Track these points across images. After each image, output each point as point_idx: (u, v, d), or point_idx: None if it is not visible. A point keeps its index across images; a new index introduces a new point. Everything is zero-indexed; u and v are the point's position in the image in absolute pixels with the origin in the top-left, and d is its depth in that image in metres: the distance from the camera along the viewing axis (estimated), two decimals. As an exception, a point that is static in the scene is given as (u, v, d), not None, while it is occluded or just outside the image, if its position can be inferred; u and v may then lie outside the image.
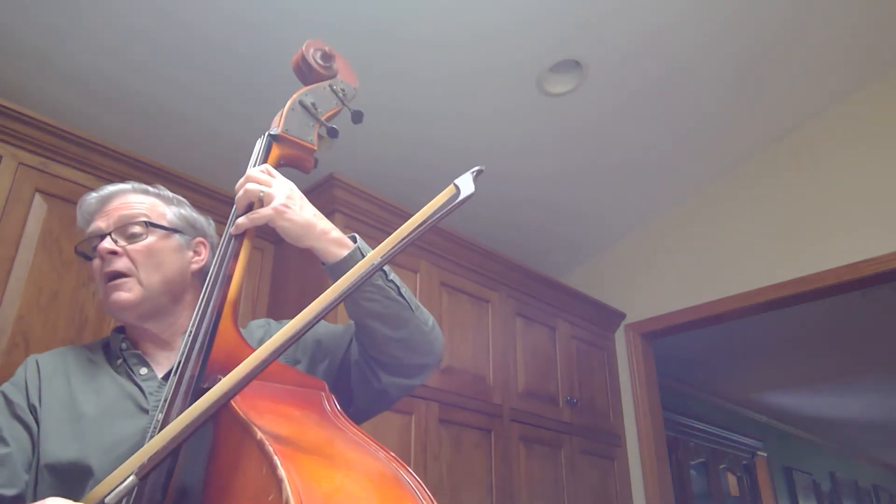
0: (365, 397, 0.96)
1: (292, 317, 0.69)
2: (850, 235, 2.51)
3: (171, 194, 1.05)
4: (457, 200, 0.70)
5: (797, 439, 6.87)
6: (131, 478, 0.64)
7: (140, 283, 0.93)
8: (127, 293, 0.92)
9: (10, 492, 0.83)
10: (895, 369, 5.12)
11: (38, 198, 1.77)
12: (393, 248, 0.69)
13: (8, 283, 1.66)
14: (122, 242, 0.94)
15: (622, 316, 3.15)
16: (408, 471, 0.65)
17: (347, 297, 0.88)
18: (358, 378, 0.96)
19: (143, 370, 0.93)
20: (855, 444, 7.58)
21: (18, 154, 1.76)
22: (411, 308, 0.92)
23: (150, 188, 1.03)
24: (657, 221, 3.19)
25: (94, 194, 0.99)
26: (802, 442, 6.94)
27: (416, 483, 0.63)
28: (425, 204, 0.72)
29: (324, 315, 0.67)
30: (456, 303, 2.36)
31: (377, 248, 0.71)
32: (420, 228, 0.70)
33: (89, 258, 0.97)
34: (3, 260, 1.66)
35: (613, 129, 2.61)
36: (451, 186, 0.71)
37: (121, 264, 0.92)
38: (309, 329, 0.67)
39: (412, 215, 0.72)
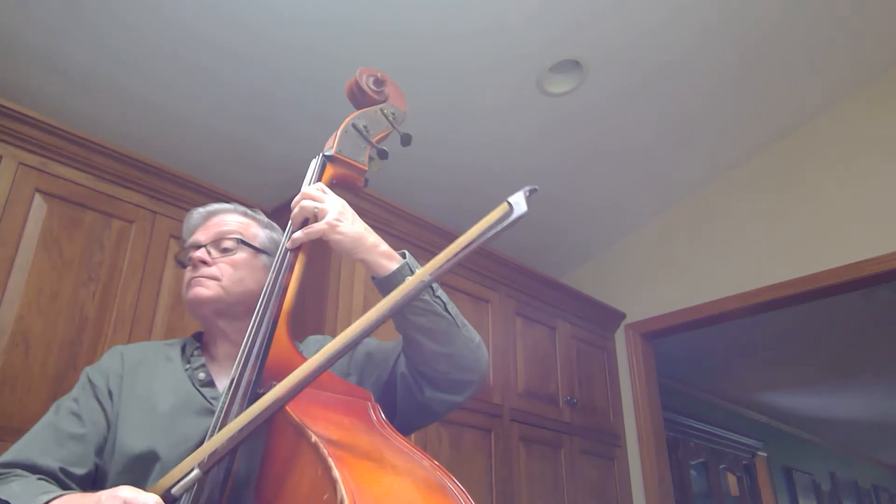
0: (408, 410, 0.99)
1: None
2: (850, 235, 2.51)
3: (266, 219, 1.14)
4: (510, 219, 0.72)
5: (797, 439, 6.87)
6: (196, 471, 0.69)
7: (221, 286, 1.01)
8: (205, 289, 1.00)
9: (79, 471, 0.89)
10: (895, 369, 5.12)
11: (38, 198, 1.77)
12: (442, 265, 0.72)
13: (8, 283, 1.66)
14: (214, 254, 1.03)
15: (622, 316, 3.15)
16: (452, 480, 0.68)
17: (396, 313, 0.93)
18: (403, 391, 0.99)
19: (202, 375, 0.99)
20: (855, 444, 7.58)
21: (18, 154, 1.76)
22: (458, 324, 0.96)
23: (250, 211, 1.12)
24: (657, 221, 3.19)
25: (200, 209, 1.10)
26: (802, 442, 6.94)
27: (461, 492, 0.66)
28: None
29: (374, 329, 0.71)
30: (456, 303, 2.33)
31: (426, 266, 0.74)
32: (471, 247, 0.72)
33: (184, 266, 1.06)
34: (3, 260, 1.66)
35: (613, 128, 2.61)
36: (505, 205, 0.73)
37: (208, 272, 1.01)
38: (359, 342, 0.72)
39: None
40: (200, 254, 1.02)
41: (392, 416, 0.97)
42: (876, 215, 2.47)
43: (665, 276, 3.06)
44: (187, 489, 0.70)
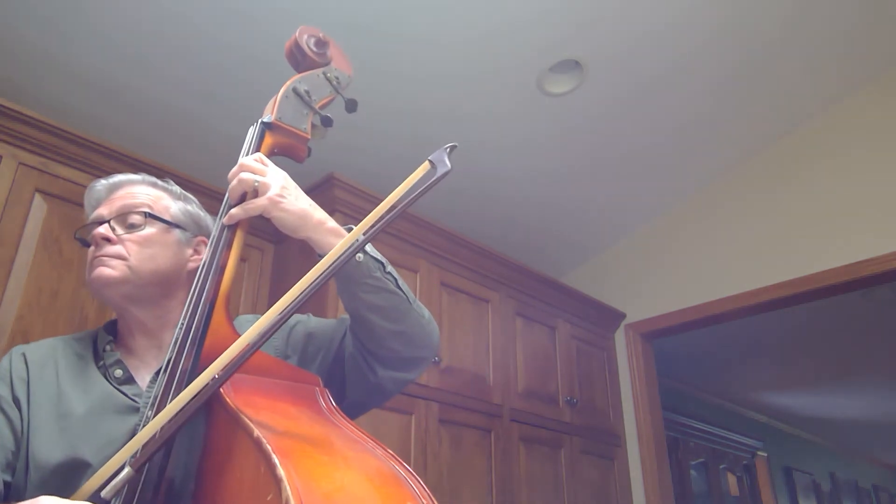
0: (359, 392, 0.95)
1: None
2: (850, 235, 2.51)
3: (179, 190, 1.04)
4: (434, 177, 0.68)
5: (797, 439, 6.87)
6: (126, 469, 0.62)
7: (128, 266, 0.91)
8: (110, 269, 0.90)
9: None
10: (895, 369, 5.12)
11: (38, 198, 1.77)
12: (371, 227, 0.68)
13: (8, 283, 1.66)
14: (119, 231, 0.93)
15: (622, 316, 3.15)
16: (405, 468, 0.64)
17: (345, 291, 0.89)
18: (353, 372, 0.94)
19: (118, 372, 0.90)
20: (855, 444, 7.58)
21: (18, 154, 1.76)
22: (409, 300, 0.92)
23: (160, 182, 1.02)
24: (657, 221, 3.19)
25: (103, 181, 0.99)
26: (802, 442, 6.94)
27: (415, 480, 0.62)
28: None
29: (307, 297, 0.66)
30: (456, 303, 2.36)
31: (357, 228, 0.70)
32: (398, 208, 0.69)
33: (87, 244, 0.95)
34: (3, 260, 1.66)
35: (613, 128, 2.61)
36: (426, 163, 0.70)
37: (113, 251, 0.91)
38: (293, 311, 0.66)
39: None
40: (104, 230, 0.91)
41: (341, 399, 0.91)
42: (876, 215, 2.47)
43: (665, 276, 3.06)
44: (118, 490, 0.63)
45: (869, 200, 2.50)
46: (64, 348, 0.94)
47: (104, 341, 0.95)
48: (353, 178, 2.10)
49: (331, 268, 0.68)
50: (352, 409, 0.92)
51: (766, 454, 6.06)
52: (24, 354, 0.92)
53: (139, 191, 0.98)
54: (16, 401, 0.86)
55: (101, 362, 0.92)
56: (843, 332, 4.43)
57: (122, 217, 0.94)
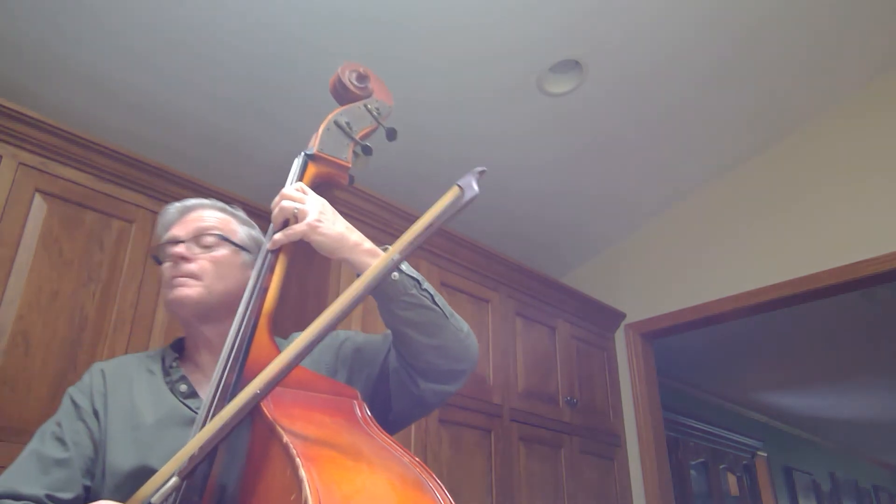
0: (403, 404, 0.99)
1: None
2: (850, 235, 2.51)
3: (244, 216, 1.11)
4: (463, 201, 0.74)
5: (797, 439, 6.87)
6: (174, 478, 0.69)
7: (203, 286, 0.98)
8: (189, 290, 0.97)
9: (66, 496, 0.87)
10: (895, 369, 5.12)
11: (38, 198, 1.77)
12: (406, 247, 0.73)
13: (8, 283, 1.66)
14: (195, 250, 1.00)
15: (622, 316, 3.15)
16: (431, 475, 0.67)
17: (384, 309, 0.95)
18: (396, 385, 0.98)
19: (183, 387, 0.97)
20: (855, 444, 7.58)
21: (18, 154, 1.76)
22: (446, 315, 0.95)
23: (228, 207, 1.10)
24: (657, 221, 3.19)
25: (176, 204, 1.07)
26: (802, 442, 6.94)
27: (438, 487, 0.66)
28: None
29: (346, 314, 0.71)
30: (456, 303, 2.36)
31: (392, 247, 0.75)
32: (429, 230, 0.74)
33: (160, 262, 1.02)
34: (3, 260, 1.66)
35: (613, 128, 2.61)
36: (455, 188, 0.74)
37: (189, 269, 0.98)
38: (332, 328, 0.71)
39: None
40: (181, 249, 0.99)
41: (388, 411, 0.98)
42: (875, 215, 2.47)
43: (665, 276, 3.06)
44: (166, 497, 0.70)
45: (869, 200, 2.50)
46: (137, 365, 1.02)
47: (170, 358, 1.03)
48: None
49: (366, 286, 0.73)
50: (397, 422, 0.99)
51: (766, 454, 6.07)
52: (102, 370, 1.00)
53: (210, 214, 1.06)
54: (95, 412, 0.94)
55: (168, 378, 0.99)
56: (843, 332, 4.43)
57: (197, 238, 1.01)
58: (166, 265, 1.00)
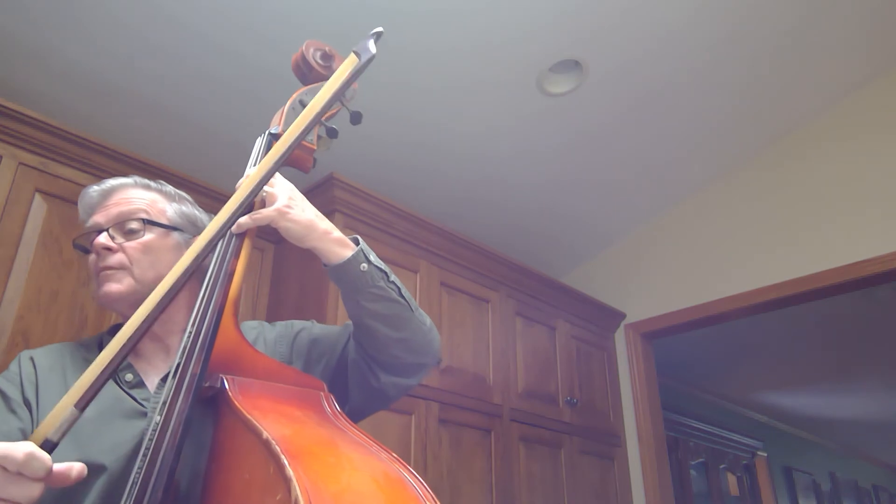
0: (362, 396, 0.97)
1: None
2: (850, 235, 2.51)
3: (173, 190, 1.03)
4: (361, 64, 0.76)
5: (797, 439, 6.87)
6: (71, 409, 0.67)
7: (133, 277, 0.92)
8: (117, 284, 0.91)
9: None
10: (895, 369, 5.12)
11: (38, 198, 1.77)
12: (311, 121, 0.76)
13: (8, 283, 1.66)
14: (119, 239, 0.93)
15: (622, 316, 3.15)
16: (410, 471, 0.66)
17: (349, 299, 0.91)
18: (355, 377, 0.96)
19: (129, 376, 0.90)
20: (855, 444, 7.58)
21: (18, 154, 1.76)
22: (411, 308, 0.94)
23: (153, 183, 1.01)
24: (657, 221, 3.19)
25: (95, 187, 0.98)
26: (802, 442, 6.93)
27: (419, 483, 0.64)
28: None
29: (250, 200, 0.82)
30: (456, 303, 2.36)
31: (295, 122, 0.79)
32: (333, 99, 0.76)
33: (87, 252, 0.95)
34: (3, 260, 1.66)
35: (613, 128, 2.61)
36: (352, 55, 0.75)
37: (115, 260, 0.92)
38: (233, 220, 0.79)
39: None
40: (104, 239, 0.92)
41: (343, 403, 0.92)
42: (876, 215, 2.47)
43: (665, 276, 3.06)
44: (65, 431, 0.66)
45: (869, 200, 2.50)
46: (71, 353, 0.94)
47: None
48: (352, 179, 2.10)
49: (278, 160, 0.81)
50: (353, 414, 0.94)
51: (765, 454, 6.06)
52: (31, 358, 0.92)
53: (134, 195, 0.97)
54: (26, 403, 0.86)
55: None
56: (843, 332, 4.43)
57: (120, 224, 0.94)
58: (91, 257, 0.94)
